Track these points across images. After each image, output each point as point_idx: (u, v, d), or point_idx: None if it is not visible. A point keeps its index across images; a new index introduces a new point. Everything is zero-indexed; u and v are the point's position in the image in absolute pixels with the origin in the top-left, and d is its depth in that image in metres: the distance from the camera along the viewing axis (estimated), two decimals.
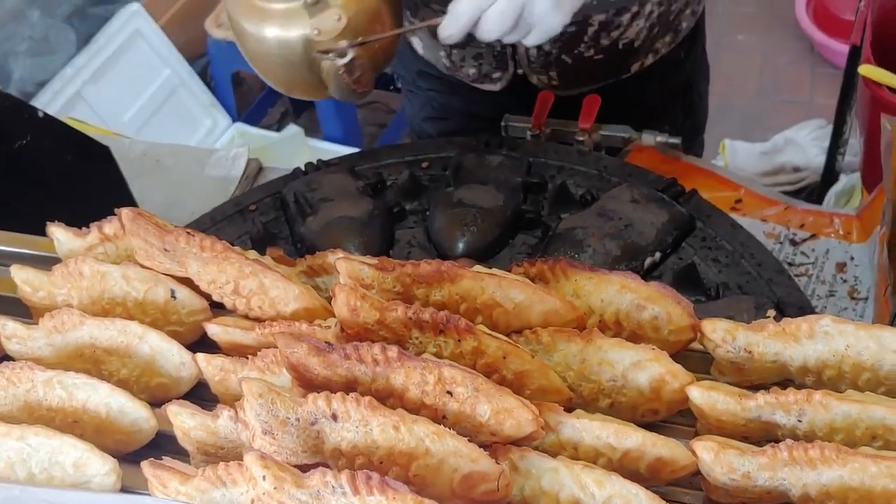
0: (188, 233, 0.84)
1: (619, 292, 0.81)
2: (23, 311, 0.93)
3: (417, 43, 1.61)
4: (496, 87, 1.56)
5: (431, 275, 0.80)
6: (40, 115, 1.22)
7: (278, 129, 3.24)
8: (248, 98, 3.35)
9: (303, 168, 1.36)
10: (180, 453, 0.80)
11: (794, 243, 1.58)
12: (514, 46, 1.48)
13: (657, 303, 0.80)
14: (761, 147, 2.47)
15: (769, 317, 0.78)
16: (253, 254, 0.85)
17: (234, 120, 3.20)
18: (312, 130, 3.20)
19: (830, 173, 2.26)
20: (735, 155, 2.45)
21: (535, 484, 0.71)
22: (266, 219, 1.29)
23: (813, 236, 1.58)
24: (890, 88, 1.47)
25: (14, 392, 0.82)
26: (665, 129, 1.52)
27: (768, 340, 0.78)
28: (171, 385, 0.84)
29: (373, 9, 1.15)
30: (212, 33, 2.96)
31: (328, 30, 1.11)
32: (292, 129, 3.01)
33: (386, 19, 1.18)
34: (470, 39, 1.49)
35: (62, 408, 0.80)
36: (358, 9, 1.12)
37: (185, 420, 0.78)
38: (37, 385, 0.81)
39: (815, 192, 2.32)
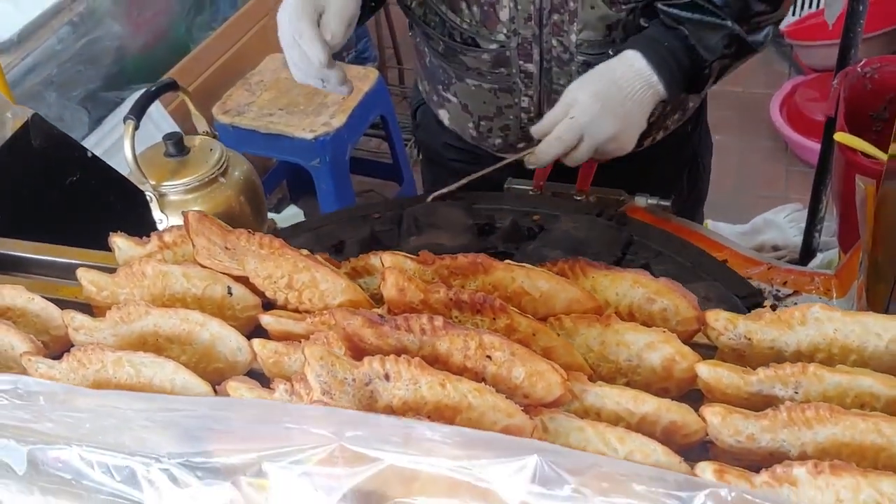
0: (249, 232, 0.94)
1: (631, 287, 0.91)
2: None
3: (444, 115, 1.72)
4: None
5: (467, 266, 0.90)
6: (89, 154, 1.33)
7: (277, 213, 3.36)
8: None
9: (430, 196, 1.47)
10: None
11: (777, 298, 1.69)
12: (540, 118, 1.58)
13: (665, 296, 0.90)
14: (741, 228, 2.60)
15: (765, 307, 0.89)
16: (305, 252, 0.94)
17: None
18: (312, 215, 3.32)
19: (808, 251, 2.40)
20: None
21: (563, 442, 0.79)
22: (381, 228, 1.40)
23: (795, 292, 1.69)
24: (863, 153, 1.61)
25: (84, 373, 0.90)
26: (671, 197, 1.64)
27: (766, 328, 0.88)
28: (227, 370, 0.92)
29: None
30: (218, 119, 3.10)
31: None
32: (292, 210, 3.14)
33: None
34: (499, 112, 1.63)
35: (130, 384, 0.88)
36: None
37: (243, 394, 0.86)
38: (107, 365, 0.89)
39: None
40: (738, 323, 0.88)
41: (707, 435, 0.82)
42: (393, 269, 0.85)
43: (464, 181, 1.49)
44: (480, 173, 1.51)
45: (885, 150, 1.62)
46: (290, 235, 1.44)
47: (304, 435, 0.63)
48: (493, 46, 1.51)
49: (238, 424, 0.65)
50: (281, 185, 3.72)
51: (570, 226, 1.37)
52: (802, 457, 0.80)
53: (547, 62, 1.51)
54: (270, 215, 3.23)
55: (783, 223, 2.59)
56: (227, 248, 0.94)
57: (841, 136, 1.58)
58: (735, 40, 1.41)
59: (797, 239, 2.48)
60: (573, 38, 1.46)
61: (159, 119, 3.12)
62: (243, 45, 3.42)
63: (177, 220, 1.65)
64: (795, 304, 1.71)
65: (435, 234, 1.34)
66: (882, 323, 0.85)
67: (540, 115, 1.59)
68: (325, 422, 0.63)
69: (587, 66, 1.46)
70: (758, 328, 0.88)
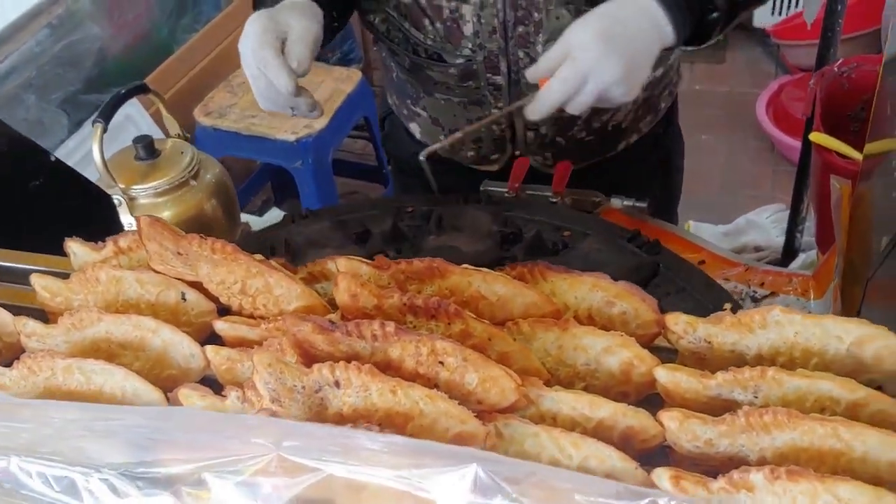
0: (201, 237, 0.92)
1: (590, 290, 0.90)
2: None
3: (415, 128, 1.69)
4: (494, 167, 1.64)
5: (424, 271, 0.88)
6: (52, 159, 1.31)
7: (259, 216, 3.34)
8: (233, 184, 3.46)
9: (462, 197, 1.45)
10: None
11: (754, 300, 1.67)
12: (513, 130, 1.58)
13: (625, 300, 0.89)
14: (724, 228, 2.59)
15: (726, 309, 0.87)
16: (259, 257, 0.93)
17: None
18: None
19: (790, 251, 2.39)
20: (699, 235, 2.57)
21: (518, 448, 0.78)
22: (409, 222, 1.37)
23: (772, 293, 1.68)
24: (838, 154, 1.59)
25: (34, 380, 0.89)
26: (645, 199, 1.62)
27: (726, 331, 0.87)
28: (180, 376, 0.91)
29: None
30: (200, 120, 3.08)
31: None
32: (274, 213, 3.11)
33: None
34: (469, 124, 1.60)
35: (80, 391, 0.87)
36: None
37: (195, 401, 0.85)
38: (57, 372, 0.88)
39: None
40: (699, 326, 0.87)
41: (666, 440, 0.81)
42: (346, 275, 0.84)
43: (458, 135, 1.43)
44: (476, 125, 1.45)
45: (861, 151, 1.61)
46: (316, 218, 1.43)
47: (243, 445, 0.62)
48: (460, 61, 1.48)
49: (177, 434, 0.64)
50: (266, 188, 3.70)
51: (595, 247, 1.31)
52: (761, 462, 0.78)
53: (515, 74, 1.48)
54: (253, 218, 3.22)
55: (766, 223, 2.58)
56: (179, 253, 0.93)
57: (816, 137, 1.57)
58: None
59: (780, 239, 2.47)
60: (540, 49, 1.43)
61: (140, 121, 3.10)
62: (226, 46, 3.40)
63: None
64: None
65: (454, 237, 1.32)
66: (843, 326, 0.84)
67: (511, 126, 1.58)
68: (263, 431, 0.61)
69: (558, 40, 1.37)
70: (718, 331, 0.87)
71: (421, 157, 1.45)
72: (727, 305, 0.88)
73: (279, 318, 0.90)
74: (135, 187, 1.64)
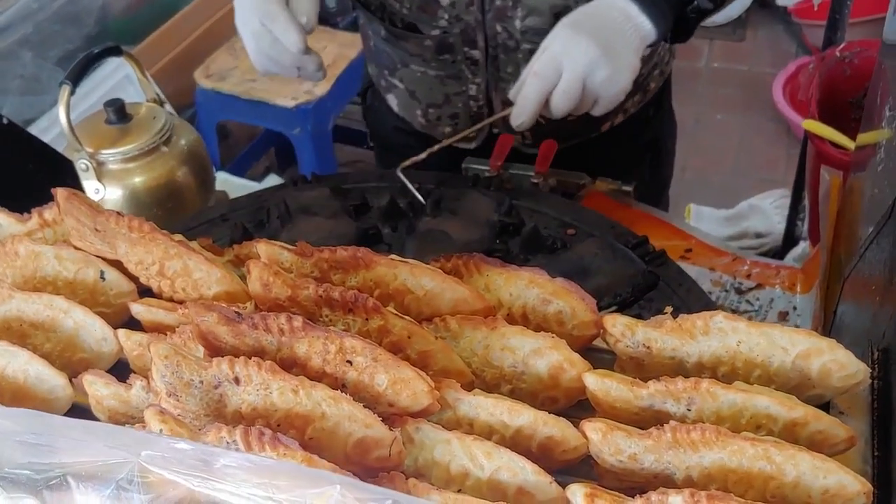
0: (118, 214, 0.87)
1: (526, 287, 0.84)
2: None
3: (393, 100, 1.62)
4: (472, 145, 1.57)
5: (347, 260, 0.83)
6: (4, 122, 1.27)
7: (259, 182, 3.29)
8: (234, 150, 3.42)
9: (471, 180, 1.42)
10: None
11: (739, 292, 1.61)
12: (490, 107, 1.51)
13: (562, 298, 0.84)
14: (726, 213, 2.52)
15: (667, 313, 0.82)
16: (178, 237, 0.88)
17: (218, 169, 3.26)
18: None
19: (790, 238, 2.31)
20: (700, 219, 2.50)
21: (427, 455, 0.73)
22: (411, 200, 1.35)
23: (759, 286, 1.61)
24: (832, 143, 1.52)
25: None
26: (633, 183, 1.55)
27: (666, 336, 0.81)
28: (92, 360, 0.87)
29: None
30: (200, 83, 3.03)
31: None
32: (273, 180, 3.06)
33: None
34: (447, 99, 1.54)
35: None
36: None
37: (99, 389, 0.81)
38: None
39: (775, 257, 2.37)
40: (637, 330, 0.82)
41: (589, 452, 0.76)
42: (258, 263, 0.79)
43: (435, 147, 1.37)
44: (460, 136, 1.40)
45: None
46: (317, 184, 1.40)
47: (104, 451, 0.57)
48: (436, 32, 1.41)
49: (41, 438, 0.59)
50: (269, 153, 3.65)
51: (593, 251, 1.25)
52: (687, 482, 0.73)
53: (493, 49, 1.42)
54: (253, 184, 3.18)
55: (769, 209, 2.50)
56: (97, 229, 0.88)
57: (809, 124, 1.50)
58: None
59: (782, 226, 2.39)
60: (518, 24, 1.37)
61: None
62: (231, 7, 3.33)
63: (115, 190, 1.59)
64: (758, 298, 1.65)
65: (448, 221, 1.27)
66: (789, 336, 0.78)
67: (489, 102, 1.51)
68: (122, 440, 0.57)
69: (534, 54, 1.33)
70: (658, 336, 0.81)
71: (398, 172, 1.37)
72: (668, 308, 0.82)
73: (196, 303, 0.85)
74: (103, 152, 1.59)
